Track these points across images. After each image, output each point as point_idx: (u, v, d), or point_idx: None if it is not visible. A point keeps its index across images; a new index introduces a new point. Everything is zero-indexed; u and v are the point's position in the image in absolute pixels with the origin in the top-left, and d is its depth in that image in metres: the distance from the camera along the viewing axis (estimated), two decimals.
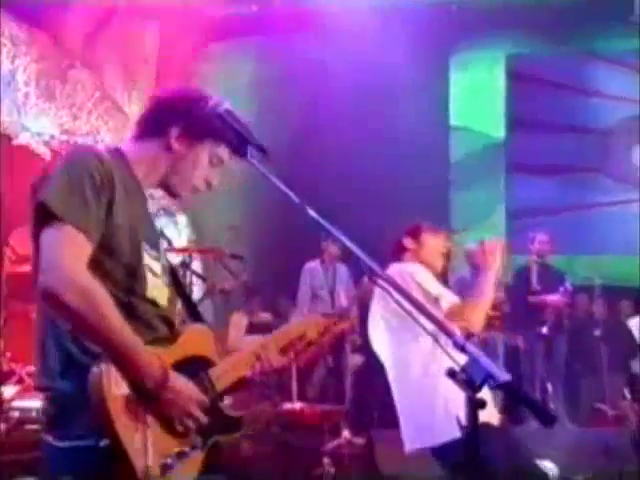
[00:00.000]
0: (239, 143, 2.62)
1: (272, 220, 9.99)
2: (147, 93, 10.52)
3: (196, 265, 9.52)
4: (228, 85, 10.58)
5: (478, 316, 4.14)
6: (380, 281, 2.35)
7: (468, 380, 2.10)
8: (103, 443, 2.35)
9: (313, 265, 9.17)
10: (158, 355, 2.49)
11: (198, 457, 2.60)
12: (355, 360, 8.58)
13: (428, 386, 4.17)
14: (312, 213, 2.35)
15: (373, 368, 8.45)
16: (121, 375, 2.40)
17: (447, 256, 4.58)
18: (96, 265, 2.46)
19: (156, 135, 2.67)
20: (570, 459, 6.83)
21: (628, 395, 8.48)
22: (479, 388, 2.07)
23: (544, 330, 8.38)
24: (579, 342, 9.18)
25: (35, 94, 9.14)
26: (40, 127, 9.27)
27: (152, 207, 8.46)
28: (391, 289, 2.29)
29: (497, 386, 2.09)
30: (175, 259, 8.14)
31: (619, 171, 10.89)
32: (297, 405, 7.94)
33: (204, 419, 2.51)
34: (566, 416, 8.62)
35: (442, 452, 4.05)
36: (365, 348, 8.56)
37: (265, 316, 9.32)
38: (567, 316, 8.87)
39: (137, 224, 2.61)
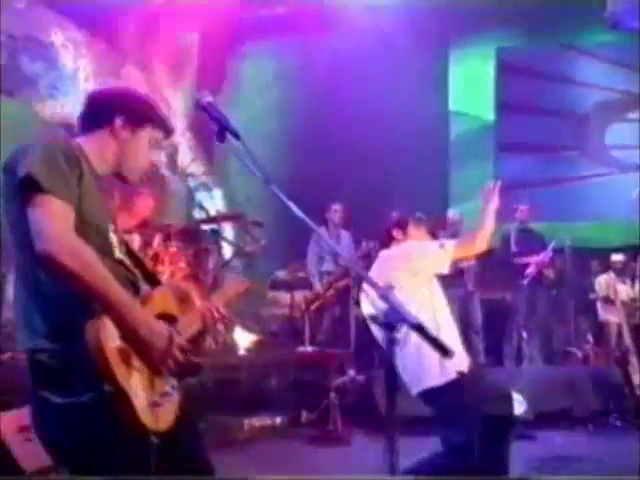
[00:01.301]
0: (218, 129, 2.62)
1: (288, 193, 10.25)
2: (190, 87, 10.67)
3: (229, 232, 9.75)
4: (257, 79, 10.95)
5: (483, 237, 4.35)
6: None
7: (387, 323, 2.26)
8: (107, 388, 2.32)
9: (320, 231, 9.15)
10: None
11: (176, 396, 2.62)
12: (357, 311, 8.38)
13: (415, 341, 4.18)
14: (280, 194, 2.47)
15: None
16: (115, 326, 2.38)
17: None
18: (75, 230, 2.42)
19: (101, 127, 2.65)
20: (540, 393, 7.06)
21: (591, 339, 8.72)
22: (395, 329, 2.24)
23: (525, 282, 8.49)
24: (555, 295, 9.27)
25: (94, 88, 8.94)
26: None
27: (192, 183, 8.80)
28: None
29: (409, 327, 2.25)
30: (207, 226, 8.38)
31: (593, 150, 10.90)
32: (309, 349, 8.04)
33: (183, 360, 2.50)
34: (540, 357, 8.76)
35: (429, 395, 4.23)
36: None
37: (282, 274, 9.39)
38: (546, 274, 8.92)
39: (98, 202, 2.58)
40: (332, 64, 10.60)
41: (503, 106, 11.23)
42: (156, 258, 7.28)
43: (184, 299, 5.93)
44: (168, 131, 2.80)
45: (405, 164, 10.30)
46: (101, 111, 2.66)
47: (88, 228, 2.44)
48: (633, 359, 7.42)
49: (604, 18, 9.41)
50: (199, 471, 2.77)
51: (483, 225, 4.36)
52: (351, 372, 7.66)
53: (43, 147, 2.44)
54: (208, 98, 2.60)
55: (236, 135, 2.56)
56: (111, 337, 2.34)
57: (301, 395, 7.45)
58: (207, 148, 10.62)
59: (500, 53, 11.26)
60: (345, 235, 9.02)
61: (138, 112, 2.68)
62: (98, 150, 2.61)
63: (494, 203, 4.40)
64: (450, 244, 4.42)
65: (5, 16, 8.28)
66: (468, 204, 9.57)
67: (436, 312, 4.26)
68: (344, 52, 10.49)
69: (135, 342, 2.38)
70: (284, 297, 8.93)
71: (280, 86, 10.95)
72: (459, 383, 4.19)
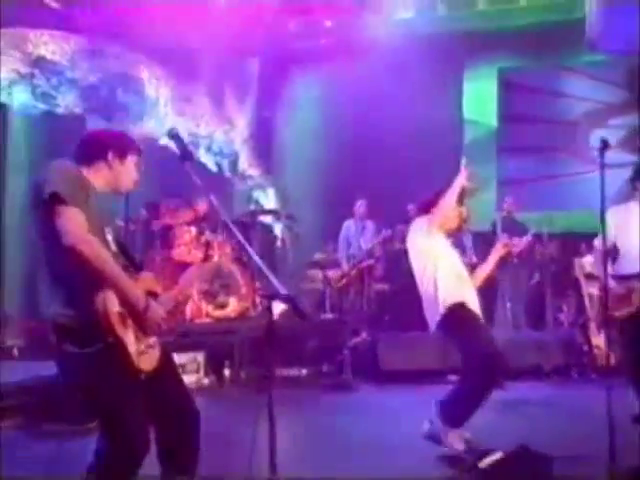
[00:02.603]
0: (181, 154, 2.93)
1: (321, 193, 10.61)
2: (251, 107, 11.13)
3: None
4: (306, 98, 11.32)
5: (446, 206, 4.50)
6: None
7: (266, 294, 2.82)
8: (111, 340, 2.61)
9: (349, 222, 9.42)
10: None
11: (158, 348, 2.87)
12: (375, 287, 9.05)
13: (425, 292, 4.50)
14: (224, 218, 2.95)
15: (386, 293, 9.14)
16: (117, 297, 2.63)
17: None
18: None
19: (98, 160, 2.90)
20: (514, 351, 6.98)
21: (565, 308, 8.92)
22: (272, 298, 2.74)
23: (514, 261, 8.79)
24: (544, 273, 9.50)
25: (171, 112, 9.73)
26: None
27: (250, 183, 9.40)
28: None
29: (279, 298, 2.67)
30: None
31: (579, 151, 10.93)
32: (330, 315, 8.51)
33: (165, 326, 2.80)
34: (525, 323, 9.06)
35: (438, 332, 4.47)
36: (383, 279, 9.24)
37: (318, 256, 9.64)
38: (532, 255, 9.14)
39: (98, 213, 2.79)
40: (367, 84, 10.76)
41: (504, 116, 11.35)
42: (207, 245, 7.81)
43: (229, 277, 6.73)
44: (140, 154, 3.03)
45: (427, 164, 10.20)
46: (97, 149, 2.92)
47: (92, 231, 2.68)
48: (592, 324, 7.52)
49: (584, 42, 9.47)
50: (177, 398, 2.99)
51: (446, 196, 4.54)
52: (364, 334, 7.92)
53: (65, 172, 2.73)
54: (176, 130, 2.97)
55: (191, 157, 2.99)
56: (113, 304, 2.64)
57: (323, 352, 7.67)
58: (262, 156, 10.93)
59: (501, 72, 11.41)
60: (369, 225, 9.33)
61: (123, 147, 2.95)
62: (97, 177, 2.89)
63: (457, 183, 4.59)
64: (431, 217, 4.56)
65: (106, 59, 8.99)
66: (475, 197, 9.92)
67: (437, 267, 4.46)
68: (377, 74, 10.62)
69: (131, 309, 2.68)
70: (319, 275, 9.23)
71: (323, 104, 11.20)
72: (448, 319, 4.38)
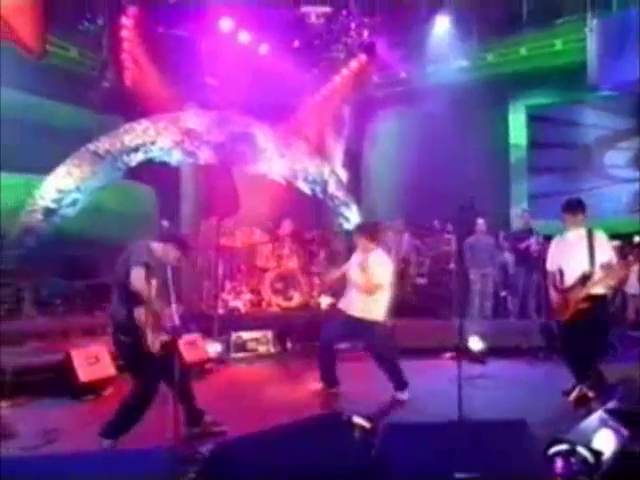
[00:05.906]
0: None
1: (396, 207, 11.20)
2: (343, 142, 12.10)
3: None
4: (385, 134, 12.24)
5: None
6: None
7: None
8: (139, 334, 3.57)
9: (389, 235, 9.81)
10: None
11: (166, 340, 3.69)
12: (418, 281, 9.69)
13: None
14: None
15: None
16: (147, 312, 3.50)
17: None
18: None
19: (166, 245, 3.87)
20: (498, 335, 7.76)
21: None
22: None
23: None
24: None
25: (275, 155, 10.37)
26: (279, 168, 10.41)
27: (337, 202, 10.51)
28: None
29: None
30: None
31: (594, 170, 10.99)
32: None
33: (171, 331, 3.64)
34: (535, 313, 9.18)
35: None
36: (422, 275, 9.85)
37: None
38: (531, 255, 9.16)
39: (154, 268, 3.62)
40: (433, 120, 11.28)
41: (532, 142, 11.56)
42: (279, 256, 9.03)
43: (294, 278, 8.24)
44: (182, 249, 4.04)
45: (481, 180, 10.51)
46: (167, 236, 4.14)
47: (151, 272, 3.63)
48: None
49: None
50: (173, 368, 3.68)
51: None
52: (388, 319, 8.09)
53: (140, 247, 3.79)
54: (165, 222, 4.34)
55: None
56: (144, 316, 3.61)
57: None
58: (348, 180, 11.82)
59: (527, 107, 11.66)
60: (406, 236, 10.01)
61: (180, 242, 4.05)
62: (163, 252, 3.96)
63: None
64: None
65: (229, 124, 9.93)
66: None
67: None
68: (441, 111, 11.01)
69: (156, 320, 3.64)
70: None
71: (399, 137, 11.93)
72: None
